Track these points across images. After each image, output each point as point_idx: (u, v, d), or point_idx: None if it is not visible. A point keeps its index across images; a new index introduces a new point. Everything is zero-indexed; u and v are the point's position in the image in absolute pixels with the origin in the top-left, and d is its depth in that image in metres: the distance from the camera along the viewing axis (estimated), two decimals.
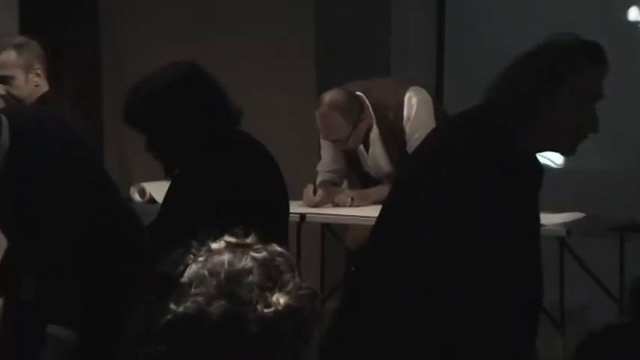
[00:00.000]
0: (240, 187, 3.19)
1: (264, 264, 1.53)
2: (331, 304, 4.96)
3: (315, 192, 5.07)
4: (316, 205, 5.05)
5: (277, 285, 1.52)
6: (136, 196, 5.23)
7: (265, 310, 1.49)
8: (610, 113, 6.30)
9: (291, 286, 1.53)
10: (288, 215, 3.49)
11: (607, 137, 6.34)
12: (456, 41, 6.67)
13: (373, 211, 4.91)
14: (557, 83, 2.92)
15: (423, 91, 5.03)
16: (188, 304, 1.48)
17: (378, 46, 6.46)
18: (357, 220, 4.91)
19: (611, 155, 6.41)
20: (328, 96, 4.97)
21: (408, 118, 4.93)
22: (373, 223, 4.90)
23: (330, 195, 5.10)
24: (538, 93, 2.91)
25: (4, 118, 3.28)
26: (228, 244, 1.55)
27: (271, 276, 1.52)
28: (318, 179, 5.18)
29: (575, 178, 6.24)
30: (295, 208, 5.04)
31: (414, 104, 4.93)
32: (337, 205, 5.07)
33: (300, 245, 5.25)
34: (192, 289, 1.49)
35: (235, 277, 1.50)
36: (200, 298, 1.48)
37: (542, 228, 4.61)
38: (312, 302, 1.56)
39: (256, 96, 6.50)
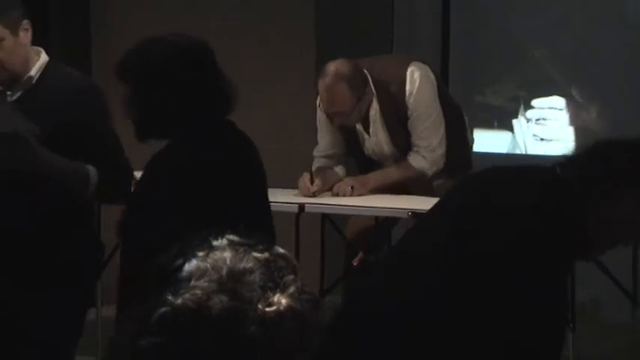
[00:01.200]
0: (214, 181, 3.14)
1: (266, 265, 1.49)
2: (332, 298, 4.83)
3: (312, 180, 4.88)
4: (314, 195, 4.87)
5: (279, 286, 1.48)
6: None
7: (267, 309, 1.45)
8: (624, 106, 6.29)
9: (293, 288, 1.49)
10: (263, 209, 3.32)
11: (616, 129, 6.30)
12: (461, 29, 6.58)
13: (375, 201, 4.79)
14: None
15: (426, 67, 4.88)
16: (187, 296, 1.44)
17: (381, 32, 6.35)
18: (359, 210, 4.77)
19: None
20: (334, 66, 4.79)
21: (411, 93, 4.77)
22: (375, 213, 4.79)
23: (327, 182, 4.93)
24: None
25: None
26: (231, 242, 1.51)
27: (273, 277, 1.48)
28: (314, 165, 5.01)
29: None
30: (294, 198, 4.90)
31: (417, 79, 4.78)
32: (337, 195, 4.89)
33: (299, 237, 5.13)
34: (192, 282, 1.45)
35: (237, 274, 1.46)
36: (199, 292, 1.44)
37: None
38: (315, 309, 1.51)
39: (255, 82, 6.42)
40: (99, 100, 3.54)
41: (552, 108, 6.32)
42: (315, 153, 5.06)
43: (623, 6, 6.35)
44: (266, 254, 1.51)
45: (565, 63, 6.38)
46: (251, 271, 1.47)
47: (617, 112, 6.29)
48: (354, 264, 4.80)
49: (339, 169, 5.07)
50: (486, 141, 6.53)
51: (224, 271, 1.46)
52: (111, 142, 3.54)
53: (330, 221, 5.33)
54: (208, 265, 1.46)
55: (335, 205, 4.84)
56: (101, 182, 3.42)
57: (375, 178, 4.91)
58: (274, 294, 1.47)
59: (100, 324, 5.22)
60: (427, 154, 4.81)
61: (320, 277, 5.33)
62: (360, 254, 4.84)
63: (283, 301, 1.47)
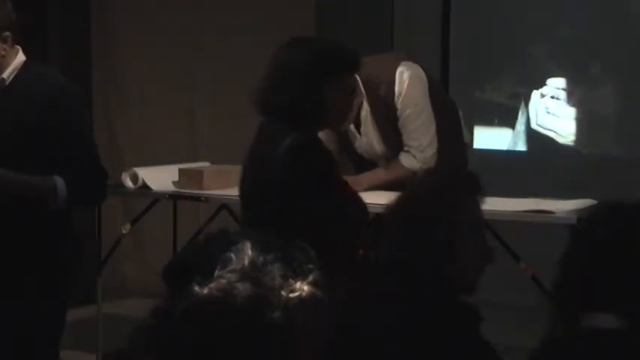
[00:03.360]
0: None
1: (285, 255, 1.54)
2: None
3: None
4: None
5: (299, 275, 1.52)
6: (129, 182, 5.03)
7: (290, 295, 1.49)
8: (627, 102, 6.28)
9: (312, 277, 1.53)
10: None
11: (620, 124, 6.30)
12: (461, 25, 6.56)
13: (374, 198, 4.77)
14: None
15: (416, 67, 4.84)
16: (212, 285, 1.47)
17: (381, 30, 6.34)
18: None
19: (624, 142, 6.30)
20: None
21: (400, 94, 4.75)
22: (374, 209, 4.78)
23: None
24: None
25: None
26: (249, 235, 1.56)
27: (293, 266, 1.52)
28: None
29: (587, 165, 6.13)
30: None
31: (406, 79, 4.75)
32: None
33: None
34: (217, 273, 1.49)
35: (259, 264, 1.50)
36: (224, 281, 1.48)
37: (552, 216, 4.54)
38: (332, 297, 1.56)
39: (255, 82, 6.41)
40: (74, 101, 3.46)
41: (564, 89, 6.39)
42: None
43: (623, 3, 6.34)
44: (285, 246, 1.55)
45: (565, 59, 6.38)
46: (272, 261, 1.51)
47: (617, 104, 6.29)
48: None
49: None
50: (487, 138, 6.53)
51: (246, 261, 1.50)
52: (87, 144, 3.48)
53: None
54: (232, 256, 1.50)
55: None
56: (74, 189, 3.36)
57: (366, 178, 4.89)
58: (295, 281, 1.50)
59: (101, 321, 5.21)
60: (418, 153, 4.80)
61: None
62: (361, 251, 4.82)
63: (305, 287, 1.51)
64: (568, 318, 2.24)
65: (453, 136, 4.97)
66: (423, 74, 4.82)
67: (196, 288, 1.48)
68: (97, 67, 6.72)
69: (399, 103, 4.76)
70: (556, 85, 6.38)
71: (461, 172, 2.96)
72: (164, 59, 6.61)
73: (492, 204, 4.74)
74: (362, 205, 3.79)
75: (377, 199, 4.61)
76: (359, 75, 4.80)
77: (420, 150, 4.80)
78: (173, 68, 6.61)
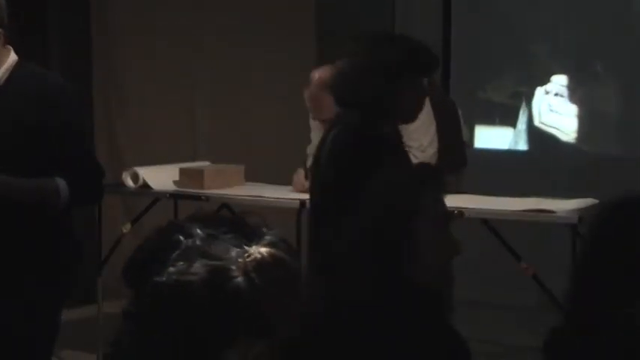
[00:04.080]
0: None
1: (235, 226, 1.54)
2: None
3: (306, 176, 4.87)
4: (307, 191, 4.86)
5: (253, 240, 1.52)
6: (129, 182, 5.02)
7: (247, 260, 1.49)
8: (628, 101, 6.28)
9: (267, 239, 1.53)
10: None
11: (622, 124, 6.30)
12: (462, 25, 6.56)
13: None
14: None
15: None
16: (170, 270, 1.48)
17: (382, 28, 6.32)
18: None
19: (625, 141, 6.30)
20: (318, 74, 4.78)
21: None
22: None
23: None
24: None
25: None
26: (197, 219, 1.57)
27: (246, 234, 1.53)
28: (308, 162, 4.99)
29: (588, 164, 6.12)
30: (295, 194, 4.88)
31: None
32: None
33: (300, 234, 5.11)
34: (172, 256, 1.49)
35: (209, 240, 1.51)
36: (181, 263, 1.48)
37: (554, 215, 4.53)
38: (294, 256, 1.56)
39: (255, 81, 6.41)
40: (74, 101, 3.44)
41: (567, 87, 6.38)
42: (309, 151, 5.04)
43: (623, 3, 6.33)
44: (234, 218, 1.57)
45: (565, 59, 6.38)
46: (223, 233, 1.52)
47: (618, 104, 6.29)
48: None
49: None
50: (487, 137, 6.53)
51: (198, 238, 1.51)
52: (87, 144, 3.47)
53: None
54: (181, 238, 1.51)
55: None
56: (74, 189, 3.36)
57: None
58: (251, 247, 1.51)
59: (101, 321, 5.21)
60: (418, 153, 4.80)
61: None
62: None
63: (261, 249, 1.51)
64: (584, 316, 2.21)
65: (452, 135, 4.98)
66: None
67: (156, 278, 1.48)
68: (97, 67, 6.71)
69: None
70: (560, 82, 6.38)
71: (422, 169, 2.93)
72: (164, 59, 6.60)
73: (493, 203, 4.76)
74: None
75: None
76: None
77: (420, 150, 4.80)
78: (173, 68, 6.61)
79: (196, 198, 4.92)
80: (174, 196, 5.05)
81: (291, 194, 4.88)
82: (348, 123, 3.43)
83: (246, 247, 1.51)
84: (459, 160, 5.03)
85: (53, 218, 3.37)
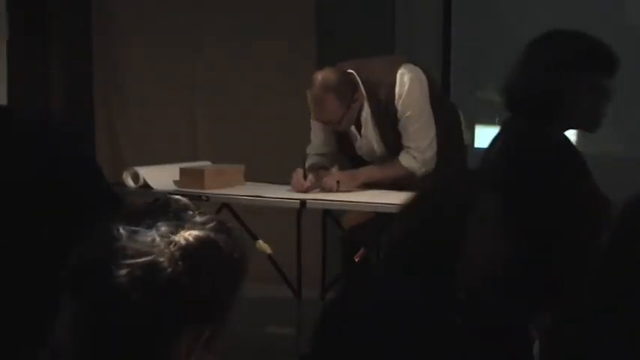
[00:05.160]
0: None
1: (160, 212, 1.53)
2: (333, 294, 4.81)
3: (305, 176, 4.88)
4: (306, 191, 4.86)
5: (180, 226, 1.51)
6: (130, 181, 5.02)
7: (173, 249, 1.47)
8: (628, 101, 6.28)
9: (194, 221, 1.52)
10: None
11: (622, 124, 6.30)
12: (462, 25, 6.55)
13: (377, 197, 4.76)
14: None
15: (417, 69, 4.85)
16: (105, 275, 1.46)
17: (382, 30, 6.33)
18: (361, 206, 4.74)
19: (625, 141, 6.30)
20: (321, 76, 4.78)
21: (400, 96, 4.76)
22: (377, 209, 4.77)
23: (320, 179, 4.92)
24: None
25: None
26: (122, 215, 1.55)
27: (170, 220, 1.51)
28: (308, 162, 4.99)
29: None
30: (296, 193, 4.88)
31: (406, 82, 4.76)
32: (324, 190, 4.87)
33: (301, 233, 5.11)
34: (97, 261, 1.48)
35: (134, 234, 1.49)
36: (113, 266, 1.46)
37: None
38: (226, 233, 1.53)
39: (255, 81, 6.41)
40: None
41: None
42: (309, 151, 5.05)
43: (624, 4, 6.33)
44: (157, 202, 1.57)
45: None
46: (147, 225, 1.50)
47: (618, 104, 6.28)
48: (356, 259, 4.77)
49: (334, 169, 5.06)
50: (488, 137, 6.51)
51: (122, 239, 1.48)
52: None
53: (332, 217, 5.31)
54: (108, 242, 1.48)
55: (337, 200, 4.82)
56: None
57: (364, 173, 4.90)
58: (177, 233, 1.49)
59: None
60: (418, 155, 4.81)
61: (321, 273, 5.31)
62: (362, 250, 4.81)
63: (186, 234, 1.49)
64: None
65: (453, 138, 4.98)
66: (423, 77, 4.83)
67: (93, 287, 1.46)
68: (97, 67, 6.71)
69: (399, 105, 4.77)
70: None
71: (473, 172, 2.93)
72: (164, 59, 6.60)
73: None
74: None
75: (384, 198, 4.62)
76: (359, 76, 4.81)
77: (419, 151, 4.81)
78: (173, 68, 6.61)
79: (197, 198, 4.91)
80: None
81: (291, 194, 4.88)
82: (520, 128, 3.31)
83: (171, 236, 1.49)
84: (458, 162, 5.03)
85: None
